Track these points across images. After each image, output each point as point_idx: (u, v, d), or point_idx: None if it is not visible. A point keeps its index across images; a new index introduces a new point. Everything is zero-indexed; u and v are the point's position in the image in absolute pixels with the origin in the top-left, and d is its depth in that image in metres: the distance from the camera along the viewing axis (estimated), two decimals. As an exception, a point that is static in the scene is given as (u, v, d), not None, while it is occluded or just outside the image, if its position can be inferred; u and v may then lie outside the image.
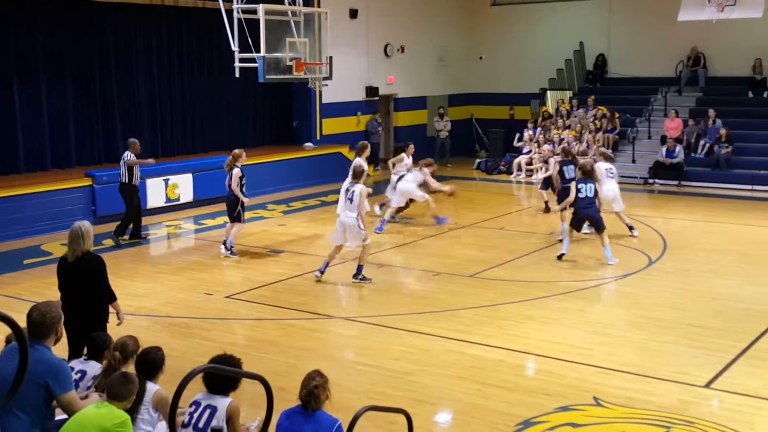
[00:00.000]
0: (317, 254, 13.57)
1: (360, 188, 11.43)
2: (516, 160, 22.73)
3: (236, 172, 13.07)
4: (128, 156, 14.32)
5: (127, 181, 14.40)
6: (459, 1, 26.36)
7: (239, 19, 14.67)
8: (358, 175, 11.77)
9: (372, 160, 23.16)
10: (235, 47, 14.87)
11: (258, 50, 14.81)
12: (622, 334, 9.58)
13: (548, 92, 25.47)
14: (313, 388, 5.16)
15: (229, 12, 14.78)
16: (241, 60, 15.07)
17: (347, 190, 11.69)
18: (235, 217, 13.28)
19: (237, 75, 15.28)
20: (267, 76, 15.07)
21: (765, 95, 22.41)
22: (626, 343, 9.27)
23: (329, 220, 16.57)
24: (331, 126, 22.34)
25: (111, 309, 7.48)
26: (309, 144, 21.48)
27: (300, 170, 20.46)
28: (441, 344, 9.18)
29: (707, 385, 7.96)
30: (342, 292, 11.71)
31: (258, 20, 14.73)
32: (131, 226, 14.65)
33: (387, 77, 24.02)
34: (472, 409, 7.46)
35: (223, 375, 5.29)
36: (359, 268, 11.60)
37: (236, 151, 13.47)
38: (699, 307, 10.57)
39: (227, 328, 9.95)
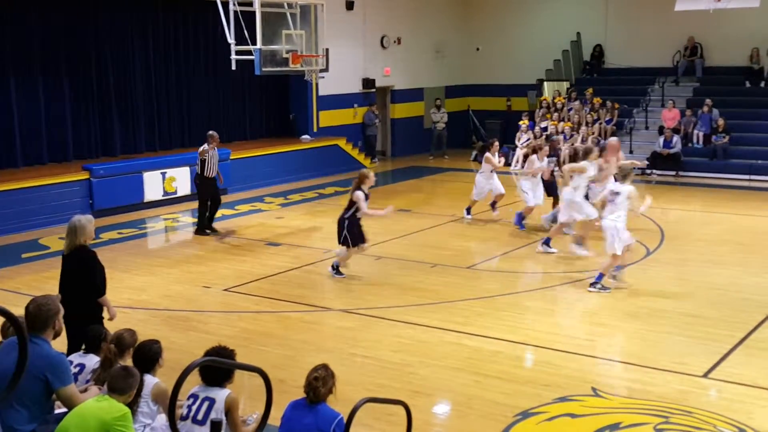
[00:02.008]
0: (315, 246, 13.59)
1: (629, 190, 10.61)
2: (516, 153, 22.61)
3: (359, 195, 11.21)
4: (204, 149, 14.30)
5: (200, 172, 14.43)
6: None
7: (235, 12, 14.64)
8: (627, 175, 10.85)
9: (369, 153, 23.19)
10: (231, 40, 14.85)
11: (254, 43, 14.79)
12: (620, 325, 9.60)
13: (545, 83, 25.46)
14: (313, 380, 5.18)
15: (225, 4, 14.74)
16: (238, 52, 15.06)
17: (613, 191, 10.76)
18: (342, 240, 11.51)
19: (233, 67, 15.26)
20: (263, 69, 15.06)
21: (762, 85, 22.42)
22: (624, 334, 9.30)
23: (327, 212, 16.59)
24: (327, 118, 22.31)
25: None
26: (306, 136, 21.47)
27: (297, 163, 20.46)
28: (439, 336, 9.19)
29: (705, 375, 7.98)
30: (340, 284, 11.70)
31: (254, 12, 14.71)
32: (202, 214, 14.69)
33: (384, 69, 23.99)
34: (470, 401, 7.48)
35: (218, 366, 5.30)
36: (599, 276, 10.85)
37: (364, 170, 11.57)
38: (697, 297, 10.59)
39: (226, 320, 9.96)
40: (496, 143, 15.80)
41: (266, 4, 15.01)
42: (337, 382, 5.32)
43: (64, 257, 7.31)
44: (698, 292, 10.78)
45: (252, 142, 20.92)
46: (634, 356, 8.49)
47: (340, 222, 11.45)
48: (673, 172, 20.71)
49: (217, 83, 20.03)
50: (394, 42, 24.25)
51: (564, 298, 10.60)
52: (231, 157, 18.51)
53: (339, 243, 11.58)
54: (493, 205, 15.40)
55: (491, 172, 15.16)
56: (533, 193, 14.45)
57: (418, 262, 12.46)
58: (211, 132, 14.70)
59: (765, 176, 19.96)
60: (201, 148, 14.37)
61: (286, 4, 15.65)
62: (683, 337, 9.09)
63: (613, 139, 14.72)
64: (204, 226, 14.59)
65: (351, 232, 11.36)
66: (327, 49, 16.51)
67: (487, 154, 15.25)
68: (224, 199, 17.32)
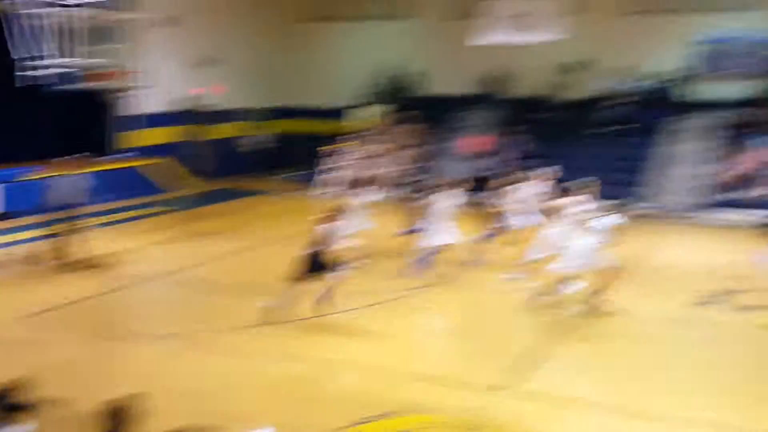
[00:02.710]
0: (120, 271, 13.03)
1: None
2: (325, 177, 22.60)
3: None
4: None
5: None
6: (271, 16, 26.35)
7: (31, 25, 13.82)
8: None
9: (186, 174, 22.60)
10: (19, 54, 13.88)
11: (48, 57, 13.96)
12: (422, 344, 9.89)
13: (358, 108, 25.95)
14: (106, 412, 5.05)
15: (16, 16, 13.80)
16: (28, 67, 14.10)
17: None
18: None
19: (20, 84, 14.17)
20: (59, 86, 14.20)
21: (561, 112, 23.75)
22: (424, 353, 9.60)
23: (131, 236, 15.95)
24: (143, 137, 21.56)
25: None
26: (118, 156, 20.59)
27: (108, 183, 19.45)
28: (251, 361, 9.04)
29: (495, 389, 8.30)
30: (147, 310, 11.27)
31: (58, 27, 13.98)
32: None
33: (203, 88, 23.50)
34: (282, 425, 7.34)
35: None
36: None
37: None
38: (490, 314, 11.11)
39: (22, 353, 9.27)
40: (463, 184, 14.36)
41: (70, 18, 14.34)
42: (137, 415, 5.17)
43: None
44: (491, 311, 11.27)
45: (44, 162, 19.55)
46: (430, 374, 8.71)
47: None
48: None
49: (20, 99, 18.65)
50: (214, 62, 23.83)
51: (368, 319, 10.68)
52: (19, 179, 17.35)
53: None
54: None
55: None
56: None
57: (229, 285, 12.22)
58: None
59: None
60: None
61: (101, 19, 14.96)
62: (479, 353, 9.45)
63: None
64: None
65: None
66: (141, 67, 15.95)
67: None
68: (11, 224, 16.00)
